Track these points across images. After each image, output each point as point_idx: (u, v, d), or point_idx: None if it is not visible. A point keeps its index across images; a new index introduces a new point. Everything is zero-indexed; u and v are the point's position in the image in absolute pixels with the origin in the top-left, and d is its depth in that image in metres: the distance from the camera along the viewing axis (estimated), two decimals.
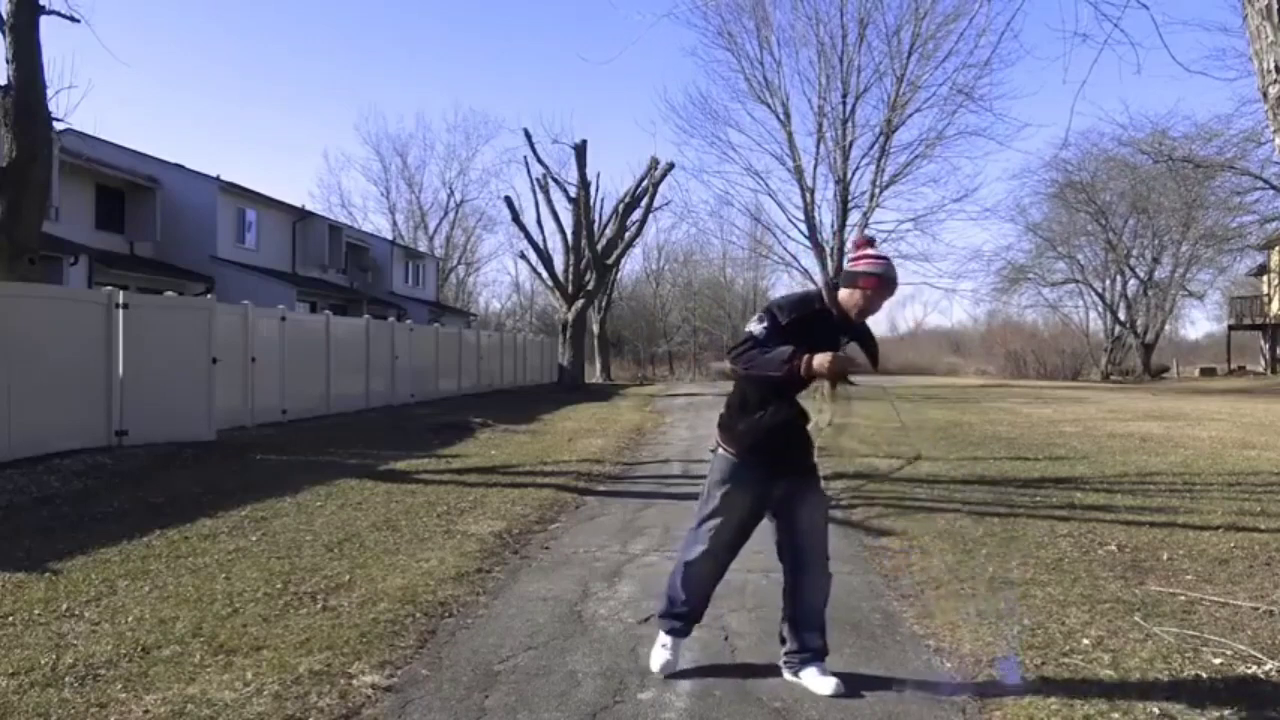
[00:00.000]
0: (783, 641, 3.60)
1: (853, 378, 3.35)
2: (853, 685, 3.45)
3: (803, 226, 35.61)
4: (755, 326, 3.41)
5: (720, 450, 3.60)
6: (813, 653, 3.51)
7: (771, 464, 3.50)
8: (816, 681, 3.43)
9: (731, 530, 3.56)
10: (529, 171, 39.40)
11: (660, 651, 3.64)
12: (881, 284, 3.43)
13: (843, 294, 3.48)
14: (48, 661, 3.63)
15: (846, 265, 3.53)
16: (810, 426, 3.65)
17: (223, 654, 3.74)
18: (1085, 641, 3.92)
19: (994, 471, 9.63)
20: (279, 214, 29.01)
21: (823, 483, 3.70)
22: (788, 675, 3.53)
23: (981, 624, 4.19)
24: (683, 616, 3.63)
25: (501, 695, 3.39)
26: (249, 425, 13.44)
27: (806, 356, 3.25)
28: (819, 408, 3.46)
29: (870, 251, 3.49)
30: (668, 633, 3.65)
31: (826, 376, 3.29)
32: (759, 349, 3.33)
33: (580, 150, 30.70)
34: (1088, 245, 47.67)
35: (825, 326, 3.43)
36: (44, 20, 10.27)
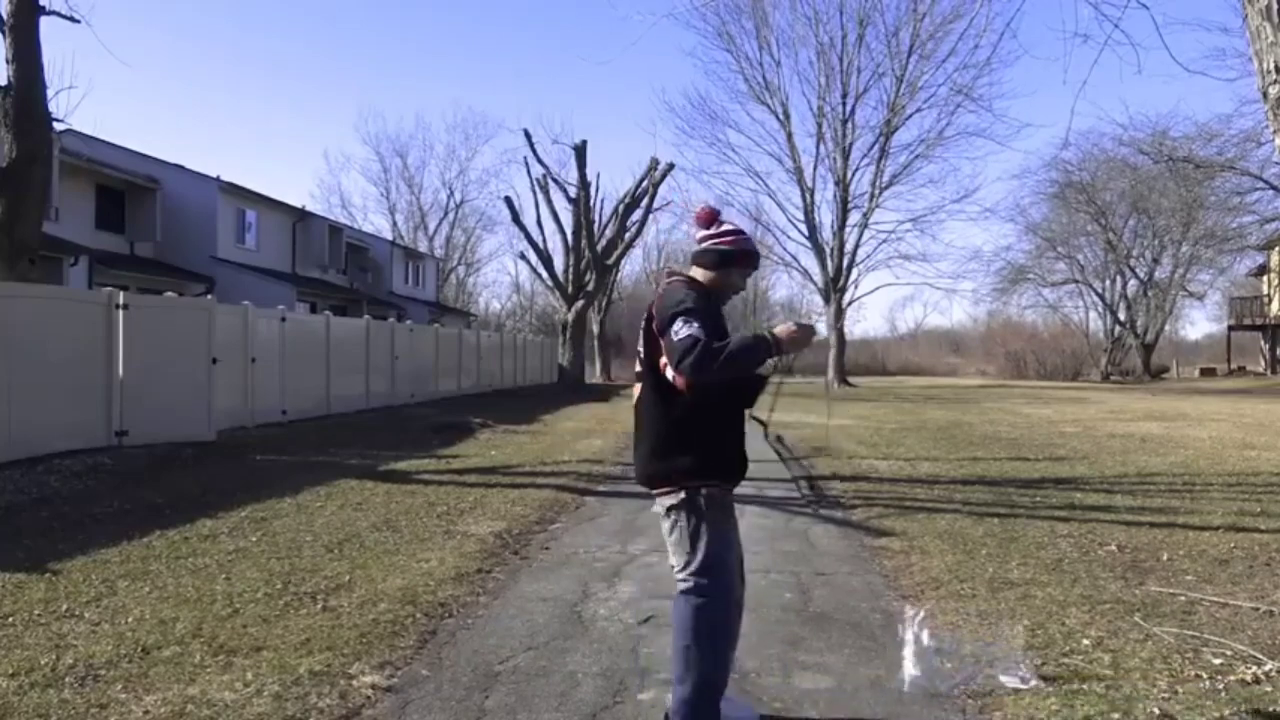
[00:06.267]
0: None
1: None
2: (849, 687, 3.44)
3: (803, 227, 35.75)
4: (691, 329, 2.72)
5: (683, 495, 2.91)
6: None
7: (739, 479, 3.03)
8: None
9: (730, 574, 3.00)
10: (529, 172, 39.38)
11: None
12: (751, 260, 3.10)
13: (711, 276, 3.04)
14: (48, 662, 3.63)
15: (708, 244, 3.07)
16: (764, 430, 3.33)
17: (223, 654, 3.74)
18: (1085, 641, 3.93)
19: (994, 472, 9.64)
20: (279, 214, 28.99)
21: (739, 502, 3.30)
22: None
23: (982, 624, 4.19)
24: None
25: (501, 696, 3.39)
26: (249, 425, 13.44)
27: (774, 333, 2.81)
28: (770, 404, 3.08)
29: (729, 226, 3.09)
30: None
31: (800, 346, 2.84)
32: (711, 346, 2.70)
33: (580, 151, 30.72)
34: (1088, 245, 47.70)
35: (718, 313, 3.07)
36: (44, 20, 10.28)
